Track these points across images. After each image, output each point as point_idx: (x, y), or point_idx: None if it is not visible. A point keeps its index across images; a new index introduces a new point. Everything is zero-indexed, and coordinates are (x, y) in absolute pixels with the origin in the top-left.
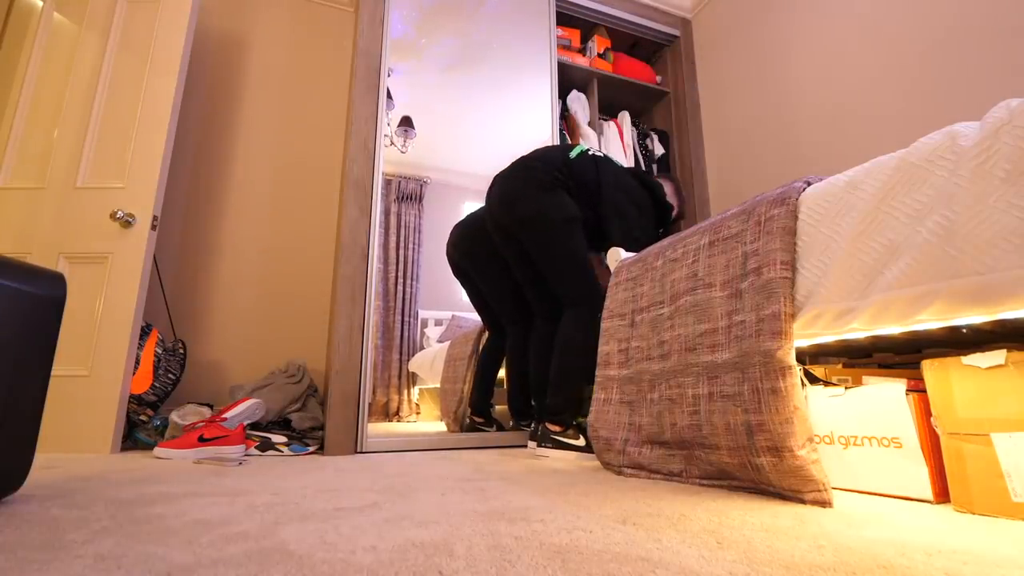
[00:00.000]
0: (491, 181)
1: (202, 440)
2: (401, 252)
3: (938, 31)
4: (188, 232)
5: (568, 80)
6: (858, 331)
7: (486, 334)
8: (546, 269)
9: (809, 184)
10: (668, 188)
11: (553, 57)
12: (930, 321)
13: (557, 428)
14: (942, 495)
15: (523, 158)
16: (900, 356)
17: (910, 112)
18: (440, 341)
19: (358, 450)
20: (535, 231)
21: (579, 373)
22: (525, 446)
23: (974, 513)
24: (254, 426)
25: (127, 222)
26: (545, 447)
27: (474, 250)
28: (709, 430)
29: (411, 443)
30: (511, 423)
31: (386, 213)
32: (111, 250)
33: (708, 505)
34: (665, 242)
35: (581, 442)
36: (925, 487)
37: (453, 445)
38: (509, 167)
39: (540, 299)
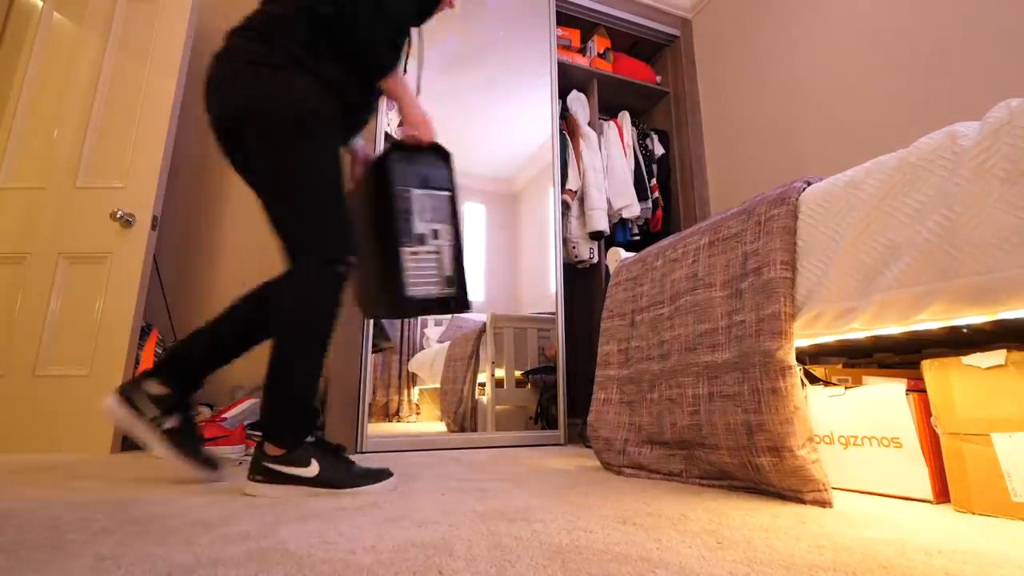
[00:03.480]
0: None
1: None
2: None
3: (938, 31)
4: (188, 232)
5: (568, 80)
6: (858, 331)
7: (486, 334)
8: (265, 196)
9: (809, 184)
10: None
11: (553, 57)
12: (930, 321)
13: (277, 451)
14: (942, 495)
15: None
16: (900, 356)
17: (910, 112)
18: (440, 341)
19: (358, 450)
20: (252, 134)
21: (305, 364)
22: (526, 447)
23: (974, 513)
24: (254, 426)
25: (127, 222)
26: (257, 481)
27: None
28: (709, 430)
29: (411, 443)
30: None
31: None
32: (111, 250)
33: (708, 505)
34: (665, 242)
35: (312, 470)
36: (925, 487)
37: (453, 445)
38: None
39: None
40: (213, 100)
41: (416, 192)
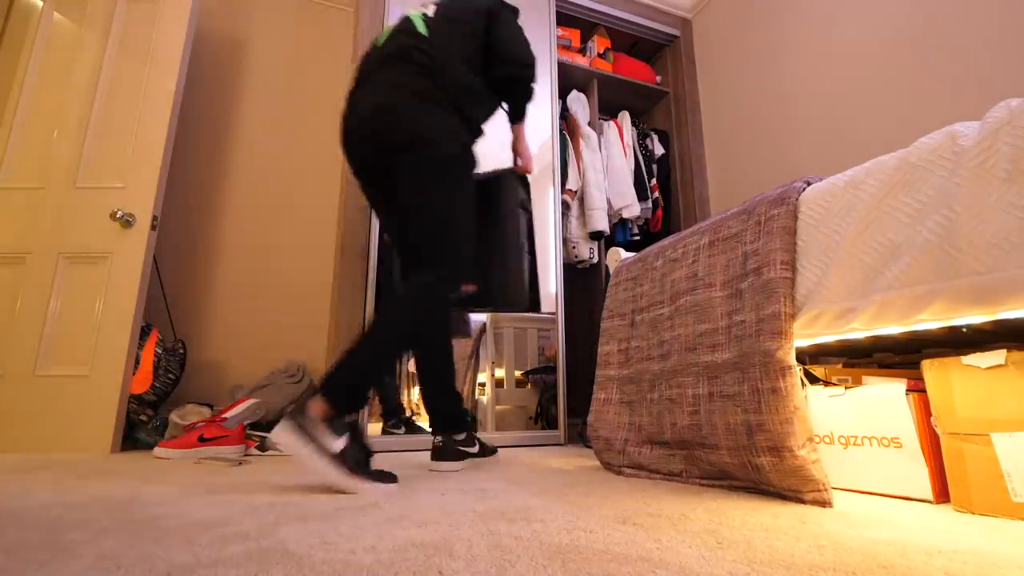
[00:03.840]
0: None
1: (202, 440)
2: None
3: (938, 31)
4: (188, 232)
5: (568, 80)
6: (858, 331)
7: (486, 334)
8: (408, 214)
9: (809, 184)
10: None
11: (553, 57)
12: (930, 321)
13: (322, 410)
14: (942, 495)
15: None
16: (900, 356)
17: (910, 112)
18: None
19: None
20: (412, 162)
21: (385, 358)
22: (526, 447)
23: (974, 513)
24: (254, 426)
25: (127, 222)
26: (287, 429)
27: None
28: (709, 430)
29: (411, 443)
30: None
31: None
32: (111, 250)
33: (708, 505)
34: (665, 242)
35: (340, 444)
36: (925, 487)
37: None
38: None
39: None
40: (374, 122)
41: (520, 211)
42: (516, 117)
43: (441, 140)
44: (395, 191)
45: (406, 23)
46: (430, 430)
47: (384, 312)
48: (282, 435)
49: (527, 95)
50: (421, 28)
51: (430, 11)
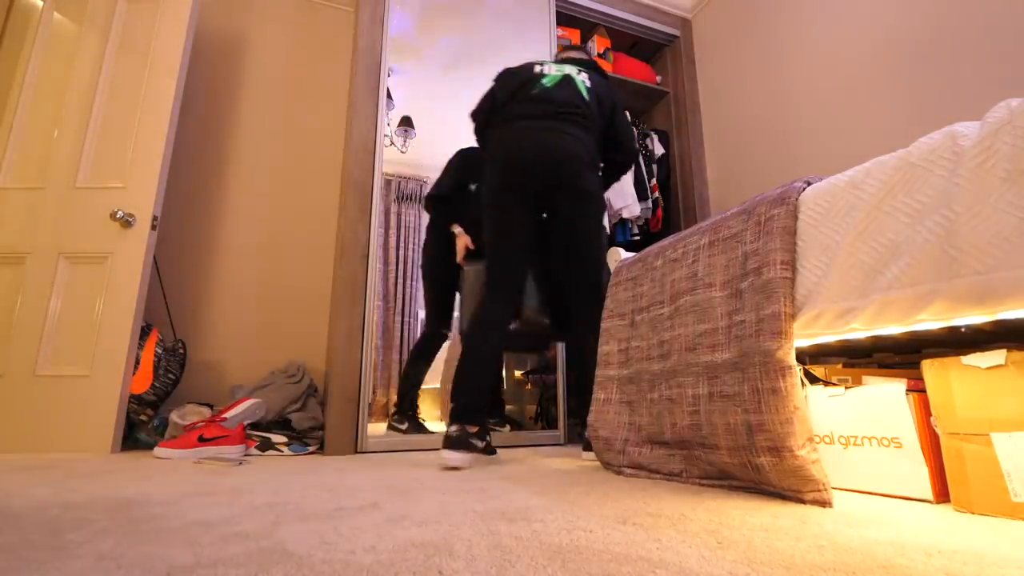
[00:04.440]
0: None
1: (202, 440)
2: (401, 252)
3: (938, 31)
4: (188, 232)
5: None
6: (858, 331)
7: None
8: (576, 244)
9: (809, 184)
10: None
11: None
12: (930, 321)
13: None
14: (942, 495)
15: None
16: (900, 356)
17: (910, 112)
18: None
19: (358, 450)
20: (583, 208)
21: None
22: (526, 447)
23: (974, 513)
24: (254, 426)
25: (127, 222)
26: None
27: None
28: (709, 430)
29: (411, 443)
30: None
31: (386, 213)
32: (111, 250)
33: (708, 505)
34: (665, 242)
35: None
36: (925, 487)
37: None
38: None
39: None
40: (557, 159)
41: None
42: (606, 188)
43: (601, 197)
44: (541, 220)
45: (571, 81)
46: (450, 419)
47: (586, 348)
48: (589, 454)
49: (622, 176)
50: (585, 94)
51: (588, 81)
